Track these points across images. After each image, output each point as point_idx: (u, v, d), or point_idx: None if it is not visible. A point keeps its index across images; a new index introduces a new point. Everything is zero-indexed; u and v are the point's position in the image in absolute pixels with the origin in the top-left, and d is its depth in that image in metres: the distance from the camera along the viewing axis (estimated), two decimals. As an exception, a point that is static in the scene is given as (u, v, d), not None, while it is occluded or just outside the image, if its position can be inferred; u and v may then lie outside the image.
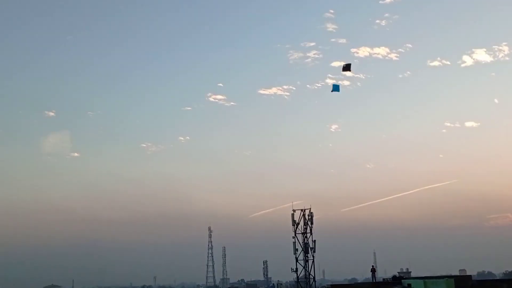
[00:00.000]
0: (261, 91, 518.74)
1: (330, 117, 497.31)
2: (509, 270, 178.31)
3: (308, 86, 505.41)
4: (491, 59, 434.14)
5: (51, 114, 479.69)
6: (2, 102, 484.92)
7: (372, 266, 67.98)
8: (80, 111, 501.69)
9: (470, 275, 61.19)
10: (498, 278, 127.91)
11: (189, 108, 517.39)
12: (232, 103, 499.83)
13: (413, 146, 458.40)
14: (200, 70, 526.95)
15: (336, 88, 42.40)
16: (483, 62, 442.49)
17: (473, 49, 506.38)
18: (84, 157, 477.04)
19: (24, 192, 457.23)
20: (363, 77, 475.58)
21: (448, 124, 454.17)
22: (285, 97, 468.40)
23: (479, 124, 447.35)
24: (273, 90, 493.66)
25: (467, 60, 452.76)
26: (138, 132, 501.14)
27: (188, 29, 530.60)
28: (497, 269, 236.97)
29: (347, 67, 40.41)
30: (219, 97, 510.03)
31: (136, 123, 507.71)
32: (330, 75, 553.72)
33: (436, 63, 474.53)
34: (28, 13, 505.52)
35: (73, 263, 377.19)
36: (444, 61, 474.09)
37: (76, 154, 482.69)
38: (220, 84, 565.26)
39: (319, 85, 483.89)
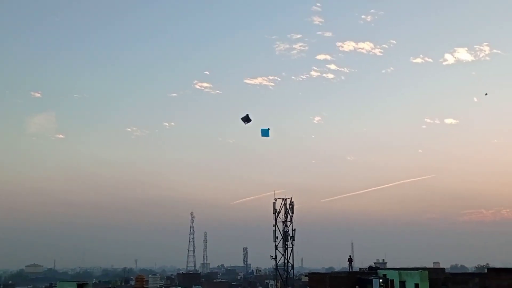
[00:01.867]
0: (247, 81, 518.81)
1: (313, 109, 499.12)
2: (481, 264, 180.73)
3: (293, 77, 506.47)
4: (472, 58, 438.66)
5: (37, 95, 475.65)
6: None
7: (350, 256, 68.60)
8: (66, 93, 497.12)
9: (444, 268, 61.96)
10: (470, 271, 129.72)
11: (175, 95, 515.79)
12: (217, 91, 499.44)
13: (393, 140, 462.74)
14: (187, 58, 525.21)
15: (265, 133, 41.25)
16: (464, 61, 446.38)
17: (455, 48, 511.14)
18: (69, 139, 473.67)
19: (8, 172, 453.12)
20: (347, 71, 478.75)
21: (428, 120, 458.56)
22: (270, 87, 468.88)
23: (458, 121, 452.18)
24: (259, 80, 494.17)
25: (449, 58, 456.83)
26: (123, 116, 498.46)
27: (177, 16, 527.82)
28: (470, 263, 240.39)
29: (246, 119, 39.45)
30: (205, 84, 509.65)
31: (122, 107, 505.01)
32: (315, 68, 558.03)
33: (418, 60, 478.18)
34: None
35: (55, 244, 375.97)
36: (426, 59, 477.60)
37: (61, 136, 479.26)
38: (207, 72, 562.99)
39: (304, 77, 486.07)
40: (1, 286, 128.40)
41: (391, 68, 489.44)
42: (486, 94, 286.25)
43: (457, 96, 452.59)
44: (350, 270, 64.15)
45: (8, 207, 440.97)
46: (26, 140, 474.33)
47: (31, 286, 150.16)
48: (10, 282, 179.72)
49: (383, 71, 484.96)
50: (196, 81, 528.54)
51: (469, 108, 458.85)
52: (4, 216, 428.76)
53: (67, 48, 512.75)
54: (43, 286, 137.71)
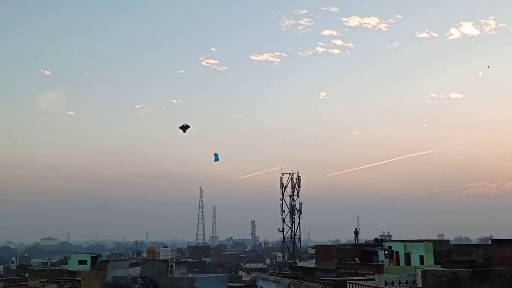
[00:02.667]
0: (253, 57, 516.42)
1: (319, 85, 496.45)
2: (485, 236, 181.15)
3: (299, 53, 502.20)
4: (478, 32, 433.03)
5: (47, 73, 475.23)
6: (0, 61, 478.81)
7: (356, 228, 68.77)
8: (76, 71, 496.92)
9: (448, 240, 62.15)
10: (474, 243, 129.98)
11: (182, 71, 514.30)
12: (224, 67, 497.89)
13: (398, 115, 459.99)
14: (194, 35, 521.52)
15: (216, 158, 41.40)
16: (470, 35, 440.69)
17: (461, 22, 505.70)
18: (79, 116, 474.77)
19: (21, 148, 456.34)
20: (353, 46, 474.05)
21: (433, 95, 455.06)
22: (276, 63, 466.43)
23: (463, 96, 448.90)
24: (265, 56, 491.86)
25: (455, 33, 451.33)
26: (132, 93, 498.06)
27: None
28: (474, 235, 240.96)
29: (184, 128, 39.12)
30: (211, 61, 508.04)
31: (130, 85, 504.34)
32: (320, 43, 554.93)
33: (424, 34, 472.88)
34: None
35: (69, 218, 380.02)
36: (432, 33, 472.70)
37: (71, 113, 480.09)
38: (213, 49, 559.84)
39: (310, 52, 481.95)
40: (18, 259, 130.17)
41: (397, 43, 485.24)
42: (488, 67, 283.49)
43: (462, 70, 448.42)
44: (356, 243, 64.43)
45: (22, 183, 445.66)
46: (37, 117, 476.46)
47: (46, 258, 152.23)
48: (26, 254, 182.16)
49: (389, 46, 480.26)
50: (203, 58, 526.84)
51: (474, 83, 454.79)
52: (18, 191, 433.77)
53: (77, 26, 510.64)
54: (58, 259, 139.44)
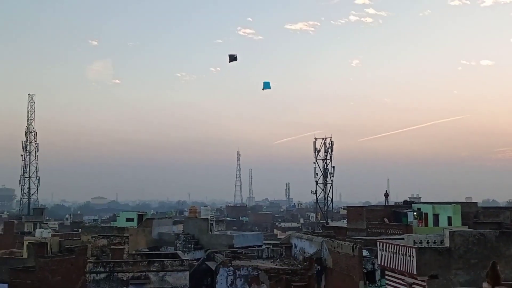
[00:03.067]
0: (288, 26, 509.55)
1: (351, 53, 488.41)
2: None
3: (332, 22, 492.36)
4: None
5: (95, 43, 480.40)
6: (51, 32, 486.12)
7: (386, 191, 68.33)
8: (120, 41, 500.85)
9: (476, 202, 61.20)
10: (501, 206, 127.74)
11: (220, 41, 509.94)
12: (260, 37, 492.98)
13: (429, 82, 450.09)
14: (231, 5, 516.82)
15: (266, 85, 38.77)
16: (503, 2, 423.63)
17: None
18: (125, 84, 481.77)
19: (72, 114, 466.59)
20: (385, 15, 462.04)
21: (464, 62, 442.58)
22: (310, 32, 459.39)
23: (494, 62, 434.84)
24: (299, 25, 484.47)
25: (487, 0, 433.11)
26: (173, 62, 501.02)
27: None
28: (501, 198, 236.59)
29: (232, 58, 36.64)
30: (248, 31, 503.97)
31: (171, 54, 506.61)
32: (353, 12, 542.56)
33: (456, 2, 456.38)
34: None
35: (117, 179, 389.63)
36: (464, 1, 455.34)
37: (117, 81, 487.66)
38: (249, 19, 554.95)
39: (343, 21, 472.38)
40: (71, 216, 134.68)
41: (429, 10, 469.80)
42: None
43: (493, 37, 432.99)
44: (386, 204, 64.15)
45: (74, 146, 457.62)
46: (86, 86, 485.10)
47: (97, 216, 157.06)
48: (79, 212, 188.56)
49: (421, 14, 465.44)
50: (239, 28, 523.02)
51: (505, 50, 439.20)
52: (70, 154, 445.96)
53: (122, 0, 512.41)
54: (107, 216, 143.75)
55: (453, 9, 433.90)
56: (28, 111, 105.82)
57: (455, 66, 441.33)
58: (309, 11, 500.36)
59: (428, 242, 26.58)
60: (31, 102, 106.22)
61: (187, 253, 44.90)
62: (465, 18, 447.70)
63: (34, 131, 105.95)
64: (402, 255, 24.92)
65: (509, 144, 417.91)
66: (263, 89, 38.36)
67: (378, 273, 29.74)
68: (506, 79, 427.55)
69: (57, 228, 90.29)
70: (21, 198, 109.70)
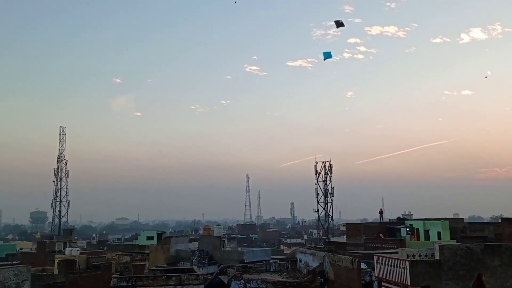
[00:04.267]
0: (289, 63, 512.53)
1: (346, 85, 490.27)
2: (495, 215, 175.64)
3: (328, 59, 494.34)
4: (486, 36, 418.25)
5: (118, 80, 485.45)
6: (78, 71, 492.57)
7: (380, 209, 67.49)
8: (142, 78, 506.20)
9: (462, 218, 60.60)
10: (486, 221, 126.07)
11: (230, 77, 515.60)
12: (264, 73, 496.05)
13: (416, 110, 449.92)
14: (239, 45, 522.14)
15: (328, 55, 36.68)
16: (479, 40, 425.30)
17: (470, 28, 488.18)
18: (145, 116, 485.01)
19: (98, 144, 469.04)
20: (375, 52, 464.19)
21: (447, 92, 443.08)
22: (309, 68, 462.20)
23: (473, 92, 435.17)
24: (299, 62, 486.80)
25: (465, 38, 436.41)
26: (189, 96, 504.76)
27: (230, 13, 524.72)
28: (485, 214, 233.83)
29: (340, 24, 33.75)
30: (254, 67, 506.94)
31: (187, 89, 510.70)
32: (347, 50, 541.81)
33: (437, 40, 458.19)
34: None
35: (139, 201, 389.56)
36: (444, 38, 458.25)
37: (138, 114, 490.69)
38: (255, 57, 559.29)
39: (337, 58, 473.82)
40: (97, 235, 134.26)
41: (414, 48, 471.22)
42: (486, 77, 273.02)
43: (472, 70, 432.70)
44: (381, 221, 63.45)
45: (100, 173, 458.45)
46: (111, 118, 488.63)
47: (120, 235, 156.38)
48: (104, 232, 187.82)
49: (407, 50, 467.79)
50: (246, 65, 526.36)
51: (483, 81, 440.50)
52: (97, 180, 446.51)
53: (142, 40, 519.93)
54: (130, 235, 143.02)
55: (435, 46, 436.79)
56: (59, 142, 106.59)
57: (439, 96, 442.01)
58: (307, 49, 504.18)
59: (420, 255, 26.30)
60: (62, 134, 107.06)
61: (202, 268, 44.47)
62: (446, 53, 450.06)
63: (65, 159, 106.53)
64: (397, 267, 24.67)
65: (490, 165, 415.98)
66: (324, 59, 36.71)
67: (375, 284, 29.34)
68: (484, 107, 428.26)
69: (85, 247, 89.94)
70: (52, 220, 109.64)
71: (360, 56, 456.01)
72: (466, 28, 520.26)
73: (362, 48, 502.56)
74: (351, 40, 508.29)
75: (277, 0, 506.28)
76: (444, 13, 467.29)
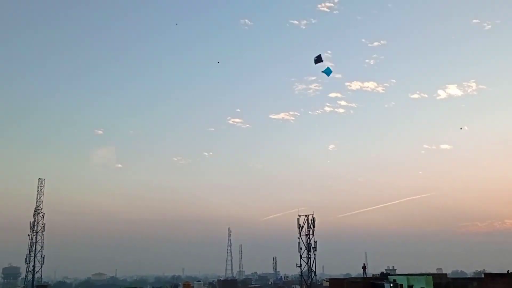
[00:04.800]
0: (271, 116, 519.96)
1: (328, 139, 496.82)
2: (479, 270, 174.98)
3: (310, 112, 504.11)
4: (461, 93, 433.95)
5: (100, 132, 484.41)
6: (61, 123, 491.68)
7: (364, 264, 67.13)
8: (123, 130, 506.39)
9: (446, 273, 60.33)
10: (469, 276, 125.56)
11: (213, 129, 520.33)
12: (247, 125, 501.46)
13: (397, 164, 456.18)
14: (222, 98, 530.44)
15: (327, 71, 36.78)
16: (455, 96, 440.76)
17: (447, 85, 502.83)
18: (126, 168, 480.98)
19: (77, 195, 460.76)
20: (355, 106, 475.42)
21: (426, 146, 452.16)
22: (291, 121, 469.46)
23: (452, 146, 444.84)
24: (281, 115, 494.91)
25: (442, 94, 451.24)
26: (171, 148, 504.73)
27: (213, 66, 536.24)
28: (469, 269, 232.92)
29: (318, 59, 34.47)
30: (237, 120, 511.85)
31: (169, 140, 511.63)
32: (328, 104, 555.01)
33: (416, 95, 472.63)
34: (75, 43, 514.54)
35: (117, 256, 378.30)
36: (422, 94, 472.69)
37: (119, 165, 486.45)
38: (238, 110, 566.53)
39: (319, 111, 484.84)
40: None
41: (393, 103, 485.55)
42: (461, 128, 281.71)
43: (450, 125, 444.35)
44: (365, 276, 62.74)
45: (77, 226, 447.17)
46: (91, 170, 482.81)
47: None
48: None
49: (386, 105, 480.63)
50: (229, 117, 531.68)
51: (461, 135, 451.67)
52: (74, 234, 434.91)
53: (125, 91, 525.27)
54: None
55: (414, 101, 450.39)
56: (37, 194, 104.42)
57: (419, 150, 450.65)
58: (289, 103, 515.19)
59: (404, 313, 25.88)
60: (40, 186, 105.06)
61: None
62: (425, 108, 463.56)
63: (42, 212, 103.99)
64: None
65: (471, 219, 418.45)
66: (326, 73, 36.01)
67: None
68: (462, 162, 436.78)
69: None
70: (25, 276, 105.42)
71: (341, 110, 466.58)
72: (442, 84, 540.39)
73: (343, 103, 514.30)
74: (332, 95, 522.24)
75: (260, 54, 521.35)
76: (421, 70, 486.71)
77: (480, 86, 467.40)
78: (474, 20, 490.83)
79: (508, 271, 38.85)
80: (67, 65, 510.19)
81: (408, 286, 43.05)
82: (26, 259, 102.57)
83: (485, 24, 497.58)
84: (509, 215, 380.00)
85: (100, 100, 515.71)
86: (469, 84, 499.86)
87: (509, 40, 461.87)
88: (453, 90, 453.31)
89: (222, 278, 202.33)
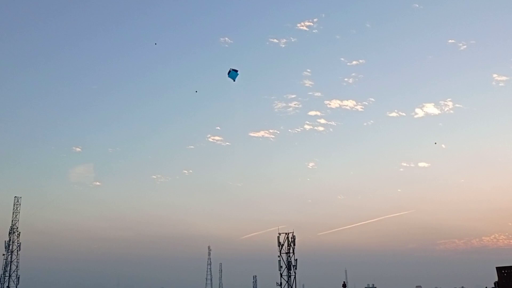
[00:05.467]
0: (251, 134, 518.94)
1: (307, 156, 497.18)
2: (457, 286, 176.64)
3: (289, 130, 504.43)
4: (438, 111, 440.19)
5: (78, 149, 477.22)
6: (37, 140, 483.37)
7: (344, 282, 67.46)
8: (102, 148, 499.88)
9: (425, 290, 60.73)
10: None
11: (192, 147, 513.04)
12: (227, 143, 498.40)
13: (375, 181, 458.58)
14: (202, 116, 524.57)
15: (233, 75, 36.74)
16: (432, 114, 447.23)
17: (424, 103, 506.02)
18: (105, 185, 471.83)
19: (54, 214, 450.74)
20: (335, 124, 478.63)
21: (404, 164, 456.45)
22: (271, 139, 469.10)
23: (429, 164, 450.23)
24: (261, 133, 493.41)
25: (419, 112, 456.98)
26: (149, 166, 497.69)
27: (193, 84, 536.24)
28: (447, 286, 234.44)
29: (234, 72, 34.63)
30: (217, 138, 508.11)
31: (148, 158, 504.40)
32: (307, 122, 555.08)
33: (394, 114, 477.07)
34: (53, 53, 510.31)
35: (92, 275, 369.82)
36: (400, 113, 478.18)
37: (98, 183, 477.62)
38: (218, 128, 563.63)
39: (299, 130, 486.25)
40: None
41: (371, 121, 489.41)
42: (435, 143, 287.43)
43: (427, 143, 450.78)
44: (345, 294, 62.92)
45: (54, 244, 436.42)
46: (70, 188, 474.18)
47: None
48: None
49: (365, 123, 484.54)
50: (209, 135, 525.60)
51: (438, 153, 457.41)
52: (51, 253, 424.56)
53: (103, 108, 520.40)
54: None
55: (391, 120, 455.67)
56: (13, 213, 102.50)
57: (397, 168, 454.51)
58: (269, 121, 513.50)
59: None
60: (16, 204, 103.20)
61: None
62: (402, 127, 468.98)
63: (17, 231, 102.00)
64: None
65: (450, 237, 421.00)
66: (232, 78, 35.69)
67: None
68: (441, 179, 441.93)
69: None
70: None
71: (321, 128, 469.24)
72: (420, 103, 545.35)
73: (323, 121, 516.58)
74: (312, 113, 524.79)
75: (240, 72, 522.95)
76: (399, 89, 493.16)
77: (456, 105, 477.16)
78: (450, 40, 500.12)
79: (486, 287, 39.49)
80: (44, 77, 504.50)
81: (388, 303, 43.38)
82: (0, 279, 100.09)
83: (460, 44, 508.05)
84: (487, 232, 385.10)
85: (78, 116, 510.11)
86: (445, 102, 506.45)
87: (484, 60, 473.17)
88: (430, 108, 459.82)
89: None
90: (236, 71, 37.41)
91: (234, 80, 37.24)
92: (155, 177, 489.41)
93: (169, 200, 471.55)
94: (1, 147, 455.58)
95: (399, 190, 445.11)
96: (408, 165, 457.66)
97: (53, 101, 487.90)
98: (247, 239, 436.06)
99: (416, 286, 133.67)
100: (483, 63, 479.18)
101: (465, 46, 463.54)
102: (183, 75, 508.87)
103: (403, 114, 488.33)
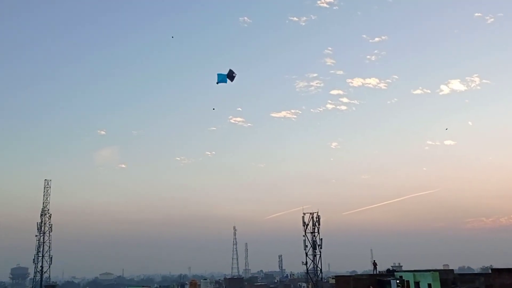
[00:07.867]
0: (273, 114, 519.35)
1: (330, 136, 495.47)
2: (486, 265, 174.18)
3: (311, 110, 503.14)
4: (465, 88, 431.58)
5: (103, 132, 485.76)
6: (63, 123, 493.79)
7: (374, 260, 66.34)
8: (126, 130, 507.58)
9: (452, 269, 59.99)
10: (476, 272, 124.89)
11: (214, 128, 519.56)
12: (249, 124, 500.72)
13: (401, 160, 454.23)
14: (224, 97, 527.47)
15: (222, 78, 35.54)
16: (458, 91, 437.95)
17: (449, 80, 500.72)
18: (130, 168, 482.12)
19: (82, 196, 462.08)
20: (358, 103, 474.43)
21: (430, 143, 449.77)
22: (293, 119, 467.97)
23: (456, 142, 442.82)
24: (283, 113, 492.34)
25: (445, 89, 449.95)
26: (172, 148, 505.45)
27: (213, 65, 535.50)
28: (475, 265, 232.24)
29: (231, 75, 33.91)
30: (238, 119, 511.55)
31: (171, 140, 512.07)
32: (330, 101, 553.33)
33: (418, 91, 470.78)
34: (82, 50, 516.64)
35: (123, 255, 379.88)
36: (425, 90, 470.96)
37: (123, 166, 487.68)
38: (239, 109, 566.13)
39: (321, 109, 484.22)
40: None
41: (395, 99, 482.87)
42: (446, 129, 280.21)
43: (454, 120, 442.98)
44: (375, 273, 62.35)
45: (83, 226, 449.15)
46: (95, 170, 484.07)
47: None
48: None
49: (388, 102, 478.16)
50: (231, 116, 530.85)
51: (465, 131, 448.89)
52: (81, 234, 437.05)
53: (128, 95, 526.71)
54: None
55: (416, 97, 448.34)
56: (44, 195, 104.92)
57: (423, 146, 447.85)
58: (291, 101, 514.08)
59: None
60: (47, 187, 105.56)
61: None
62: (428, 105, 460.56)
63: (48, 213, 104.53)
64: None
65: (477, 215, 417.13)
66: (217, 83, 34.92)
67: None
68: (468, 157, 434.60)
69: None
70: (34, 276, 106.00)
71: (343, 108, 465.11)
72: (445, 80, 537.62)
73: (345, 100, 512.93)
74: (334, 92, 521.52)
75: (260, 52, 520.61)
76: (424, 65, 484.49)
77: (484, 81, 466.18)
78: (476, 14, 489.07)
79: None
80: (74, 69, 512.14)
81: (415, 282, 42.86)
82: (34, 259, 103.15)
83: (488, 17, 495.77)
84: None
85: (105, 101, 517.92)
86: (472, 78, 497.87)
87: (511, 34, 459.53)
88: (456, 85, 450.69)
89: (228, 276, 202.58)
90: (226, 74, 35.37)
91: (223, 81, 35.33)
92: (178, 159, 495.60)
93: (193, 182, 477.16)
94: (32, 134, 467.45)
95: (424, 168, 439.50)
96: (433, 143, 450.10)
97: (80, 87, 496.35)
98: (271, 219, 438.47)
99: (443, 265, 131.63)
100: (511, 37, 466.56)
101: (492, 19, 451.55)
102: (203, 56, 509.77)
103: (428, 91, 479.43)
